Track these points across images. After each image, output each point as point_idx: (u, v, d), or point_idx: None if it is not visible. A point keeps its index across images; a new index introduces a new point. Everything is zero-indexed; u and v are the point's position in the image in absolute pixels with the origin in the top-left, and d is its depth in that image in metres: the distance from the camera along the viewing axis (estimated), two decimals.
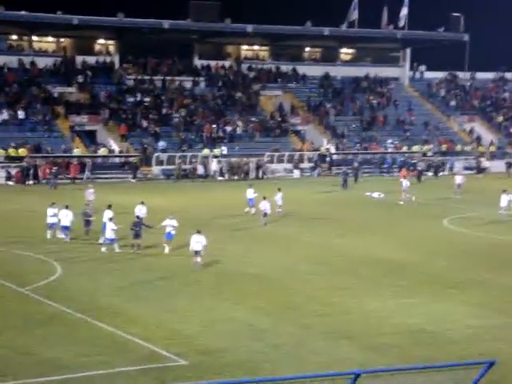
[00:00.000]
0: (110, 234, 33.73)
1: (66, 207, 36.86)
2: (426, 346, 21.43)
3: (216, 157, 69.68)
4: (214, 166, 68.08)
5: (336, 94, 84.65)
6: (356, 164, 67.45)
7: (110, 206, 36.24)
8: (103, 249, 34.03)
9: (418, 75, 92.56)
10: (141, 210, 38.30)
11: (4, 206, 48.25)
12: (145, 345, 21.28)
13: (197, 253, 31.19)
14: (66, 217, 36.41)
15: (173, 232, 33.76)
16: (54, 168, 60.96)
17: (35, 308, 24.94)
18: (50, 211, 36.94)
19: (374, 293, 27.08)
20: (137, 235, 33.96)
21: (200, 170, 67.71)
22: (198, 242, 31.14)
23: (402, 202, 51.95)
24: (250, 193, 45.30)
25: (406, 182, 53.95)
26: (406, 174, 57.92)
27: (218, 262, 32.01)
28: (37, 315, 24.06)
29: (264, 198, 42.42)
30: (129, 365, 19.78)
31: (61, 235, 36.64)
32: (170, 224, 33.81)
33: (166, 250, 33.75)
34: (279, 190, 45.52)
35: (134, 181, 64.18)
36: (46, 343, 21.41)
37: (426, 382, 14.56)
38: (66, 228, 36.54)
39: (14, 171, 62.09)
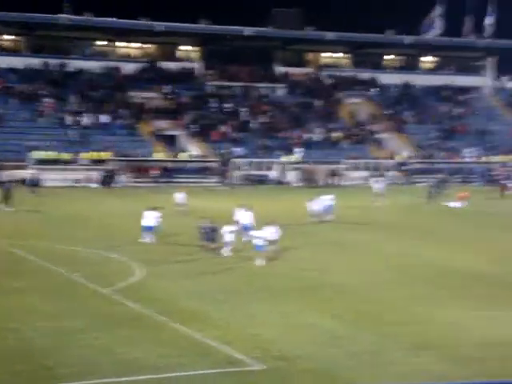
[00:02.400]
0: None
1: (154, 209, 37.39)
2: (508, 360, 21.08)
3: (297, 163, 70.15)
4: (274, 172, 68.37)
5: (416, 103, 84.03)
6: (443, 175, 65.07)
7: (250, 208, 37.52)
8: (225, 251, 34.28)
9: (501, 85, 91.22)
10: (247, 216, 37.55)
11: (89, 208, 49.41)
12: (224, 348, 21.48)
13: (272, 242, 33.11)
14: (150, 217, 36.98)
15: (259, 243, 32.42)
16: (155, 172, 62.12)
17: (117, 308, 25.42)
18: (147, 214, 37.24)
19: (453, 303, 26.81)
20: (211, 239, 34.21)
21: (273, 175, 68.23)
22: (272, 232, 33.05)
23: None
24: (327, 199, 45.47)
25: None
26: (465, 196, 54.85)
27: (297, 269, 32.18)
28: (118, 316, 24.51)
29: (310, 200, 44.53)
30: (208, 368, 19.97)
31: (145, 238, 37.15)
32: (259, 235, 32.64)
33: (258, 262, 32.37)
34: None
35: (223, 187, 63.42)
36: (127, 344, 21.76)
37: None
38: (149, 228, 37.08)
39: (97, 174, 63.52)
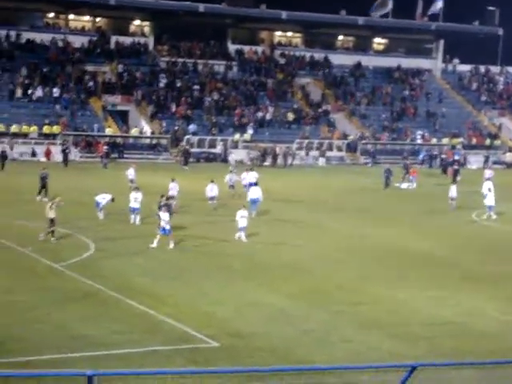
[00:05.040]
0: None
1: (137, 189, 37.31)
2: (455, 338, 21.60)
3: (248, 142, 70.34)
4: (218, 149, 68.33)
5: (367, 84, 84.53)
6: (403, 159, 62.25)
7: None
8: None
9: (450, 68, 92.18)
10: (175, 188, 39.49)
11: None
12: (177, 325, 21.59)
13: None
14: (102, 197, 36.87)
15: (167, 227, 31.34)
16: (105, 147, 61.14)
17: (70, 284, 25.36)
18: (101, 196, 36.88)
19: (403, 284, 27.30)
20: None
21: (219, 153, 68.26)
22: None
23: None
24: (252, 177, 44.90)
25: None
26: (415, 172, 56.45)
27: (250, 248, 32.34)
28: (71, 291, 24.48)
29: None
30: (161, 344, 20.08)
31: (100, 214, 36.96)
32: (164, 218, 31.39)
33: (171, 245, 31.36)
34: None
35: (186, 168, 61.36)
36: (80, 320, 21.77)
37: (455, 377, 14.75)
38: (98, 204, 36.88)
39: (47, 148, 62.76)
